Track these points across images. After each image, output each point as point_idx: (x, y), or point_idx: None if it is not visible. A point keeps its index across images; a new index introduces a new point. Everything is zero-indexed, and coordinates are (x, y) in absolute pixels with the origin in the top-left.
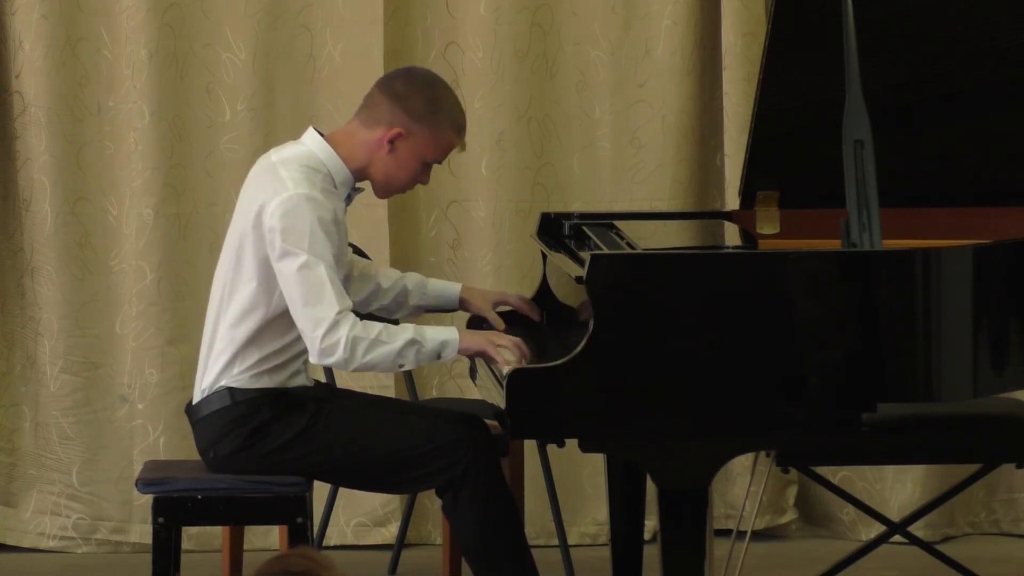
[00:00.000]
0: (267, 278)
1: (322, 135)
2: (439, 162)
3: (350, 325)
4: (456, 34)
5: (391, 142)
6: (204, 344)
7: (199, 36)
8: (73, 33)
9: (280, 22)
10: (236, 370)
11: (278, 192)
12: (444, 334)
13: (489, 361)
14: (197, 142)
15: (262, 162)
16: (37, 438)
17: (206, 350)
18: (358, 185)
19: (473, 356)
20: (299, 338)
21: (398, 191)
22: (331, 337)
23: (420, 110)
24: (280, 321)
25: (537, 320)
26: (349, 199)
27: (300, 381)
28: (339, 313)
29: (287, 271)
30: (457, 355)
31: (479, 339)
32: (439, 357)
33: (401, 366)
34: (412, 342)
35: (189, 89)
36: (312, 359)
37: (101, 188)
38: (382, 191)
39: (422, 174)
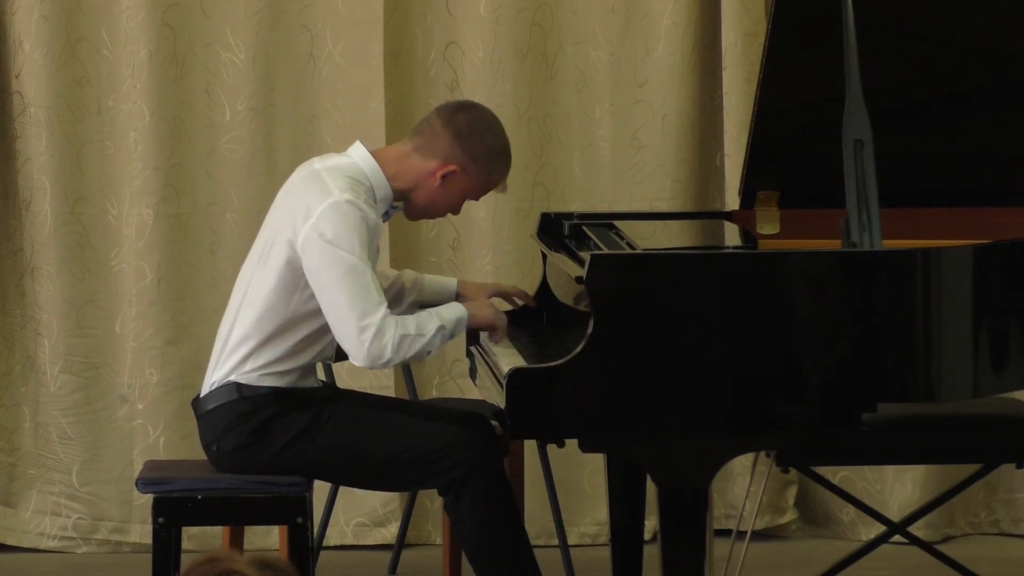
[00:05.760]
0: (292, 281)
1: (369, 151)
2: (476, 199)
3: (393, 326)
4: (456, 34)
5: (443, 176)
6: (220, 338)
7: (199, 36)
8: (73, 33)
9: (280, 22)
10: (248, 367)
11: (324, 198)
12: (456, 312)
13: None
14: (197, 142)
15: (304, 168)
16: (37, 438)
17: (221, 344)
18: (396, 204)
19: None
20: (313, 342)
21: (430, 218)
22: (379, 341)
23: (480, 154)
24: (298, 325)
25: (533, 306)
26: (387, 216)
27: (309, 383)
28: (384, 317)
29: (334, 273)
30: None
31: (485, 314)
32: (452, 336)
33: (429, 352)
34: (440, 328)
35: (189, 89)
36: (357, 362)
37: (101, 188)
38: (416, 215)
39: (456, 207)
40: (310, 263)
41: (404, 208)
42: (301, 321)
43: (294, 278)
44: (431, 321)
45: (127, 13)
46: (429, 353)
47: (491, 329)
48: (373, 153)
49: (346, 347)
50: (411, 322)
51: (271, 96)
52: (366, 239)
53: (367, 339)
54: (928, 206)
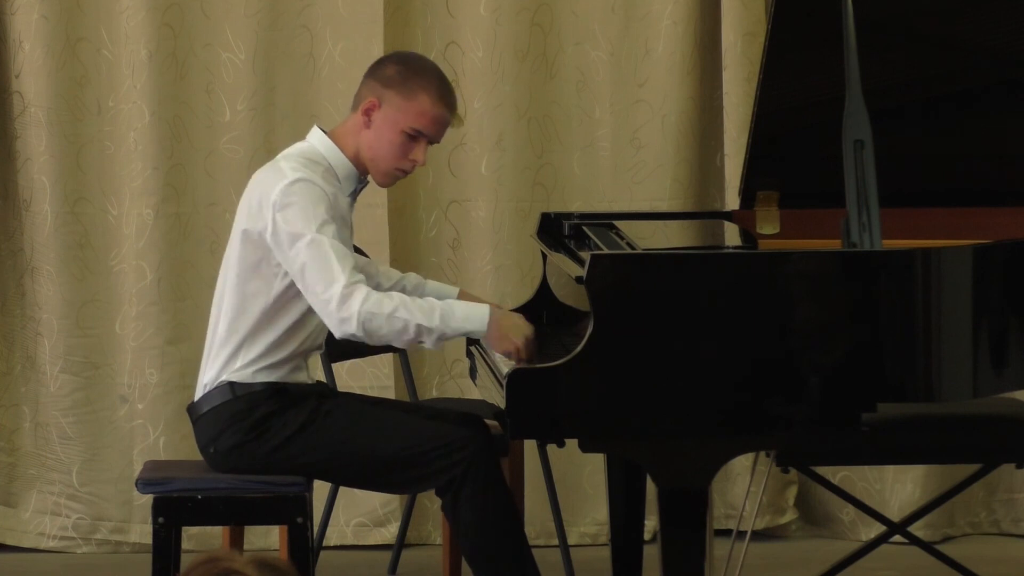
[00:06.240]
0: (265, 270)
1: (325, 132)
2: (427, 135)
3: (362, 299)
4: (456, 34)
5: (367, 114)
6: (208, 339)
7: (199, 36)
8: (73, 33)
9: (280, 22)
10: (238, 363)
11: (277, 182)
12: (471, 324)
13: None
14: (197, 142)
15: (267, 163)
16: (37, 438)
17: (209, 344)
18: (364, 179)
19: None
20: (300, 328)
21: (392, 170)
22: (343, 311)
23: (391, 76)
24: (279, 313)
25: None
26: (355, 194)
27: (301, 377)
28: (347, 286)
29: (296, 252)
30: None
31: (507, 343)
32: (452, 337)
33: (421, 343)
34: (429, 330)
35: (189, 89)
36: (336, 333)
37: (101, 188)
38: (377, 174)
39: (409, 148)
40: (278, 249)
41: (372, 176)
42: (281, 308)
43: (266, 267)
44: (420, 311)
45: (127, 13)
46: (422, 344)
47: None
48: (329, 133)
49: (325, 322)
50: (391, 303)
51: (271, 96)
52: (323, 211)
53: (332, 308)
54: (928, 206)
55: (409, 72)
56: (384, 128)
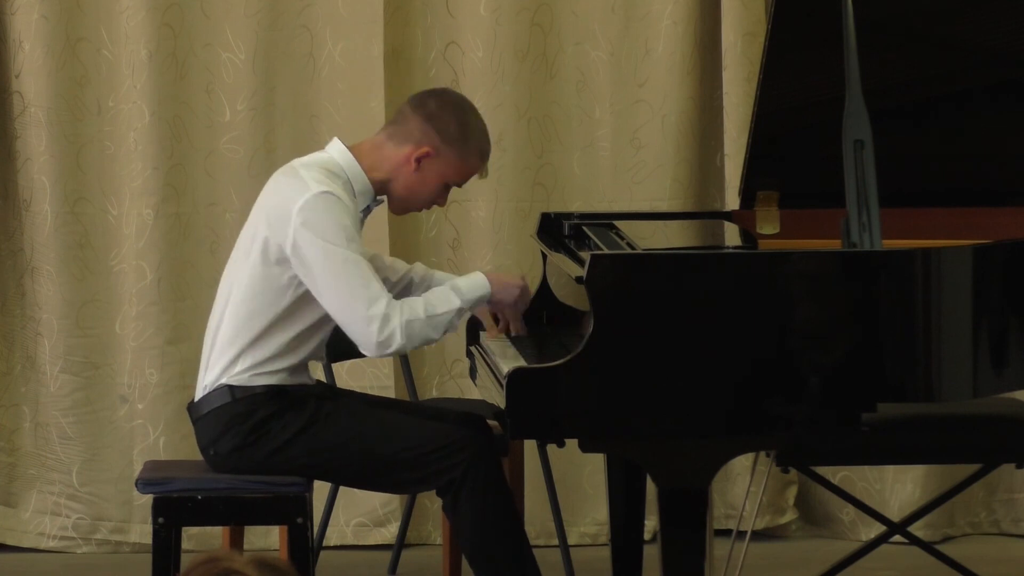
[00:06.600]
0: (277, 282)
1: (346, 146)
2: (459, 185)
3: (399, 312)
4: (456, 34)
5: (418, 160)
6: (207, 340)
7: (199, 36)
8: (73, 33)
9: (280, 22)
10: (238, 368)
11: (302, 193)
12: (479, 290)
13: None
14: (197, 142)
15: (284, 168)
16: (37, 438)
17: (209, 345)
18: (378, 198)
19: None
20: (305, 340)
21: (415, 209)
22: (386, 330)
23: (452, 132)
24: (286, 324)
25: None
26: (367, 211)
27: (302, 379)
28: (388, 305)
29: (331, 269)
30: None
31: (508, 299)
32: (471, 312)
33: (454, 327)
34: (460, 311)
35: (189, 89)
36: (368, 352)
37: (101, 188)
38: (399, 207)
39: (440, 196)
40: (304, 263)
41: (388, 202)
42: (289, 320)
43: (279, 277)
44: (443, 302)
45: (127, 13)
46: (454, 328)
47: (510, 311)
48: (350, 148)
49: (355, 340)
50: (419, 305)
51: (271, 96)
52: (350, 226)
53: (375, 329)
54: (928, 206)
55: (467, 129)
56: (431, 177)
